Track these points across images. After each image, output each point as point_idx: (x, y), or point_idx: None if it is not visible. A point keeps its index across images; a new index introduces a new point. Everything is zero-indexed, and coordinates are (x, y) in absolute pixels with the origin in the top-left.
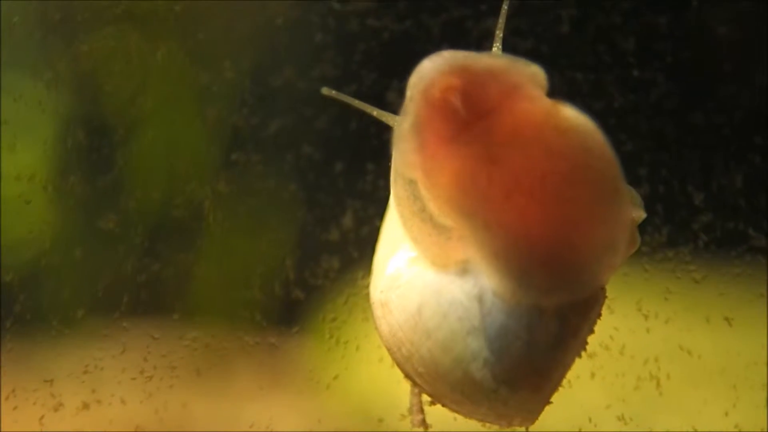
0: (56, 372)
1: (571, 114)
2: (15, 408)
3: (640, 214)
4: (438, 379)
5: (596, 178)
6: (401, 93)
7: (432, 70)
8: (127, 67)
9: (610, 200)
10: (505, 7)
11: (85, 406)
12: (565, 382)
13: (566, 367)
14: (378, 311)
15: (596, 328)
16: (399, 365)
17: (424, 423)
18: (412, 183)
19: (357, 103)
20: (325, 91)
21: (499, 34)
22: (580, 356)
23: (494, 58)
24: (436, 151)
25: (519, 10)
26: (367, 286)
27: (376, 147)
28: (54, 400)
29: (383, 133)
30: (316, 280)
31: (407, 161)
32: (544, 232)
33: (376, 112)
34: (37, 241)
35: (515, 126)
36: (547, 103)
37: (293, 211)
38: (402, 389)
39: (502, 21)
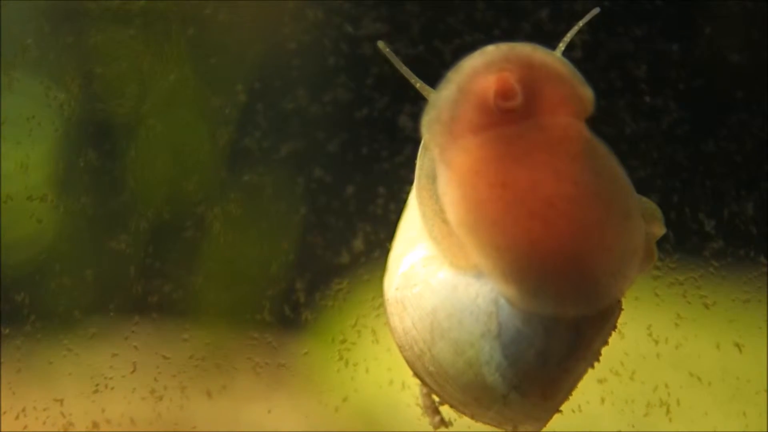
0: (66, 391)
1: (583, 138)
2: (25, 427)
3: (661, 230)
4: (449, 380)
5: (606, 203)
6: (413, 117)
7: (495, 54)
8: (140, 89)
9: (621, 224)
10: (580, 23)
11: (95, 425)
12: (575, 406)
13: (578, 376)
14: (392, 308)
15: (607, 354)
16: (409, 364)
17: (443, 422)
18: (434, 182)
19: (404, 70)
20: (381, 45)
21: (561, 46)
22: (593, 367)
23: (558, 61)
24: (462, 132)
25: (531, 35)
26: (378, 308)
27: (387, 171)
28: (64, 420)
29: (394, 156)
30: (326, 302)
31: (433, 131)
32: (554, 252)
33: (419, 84)
34: (48, 261)
35: (533, 142)
36: (569, 123)
37: (304, 233)
38: (412, 413)
39: (571, 34)
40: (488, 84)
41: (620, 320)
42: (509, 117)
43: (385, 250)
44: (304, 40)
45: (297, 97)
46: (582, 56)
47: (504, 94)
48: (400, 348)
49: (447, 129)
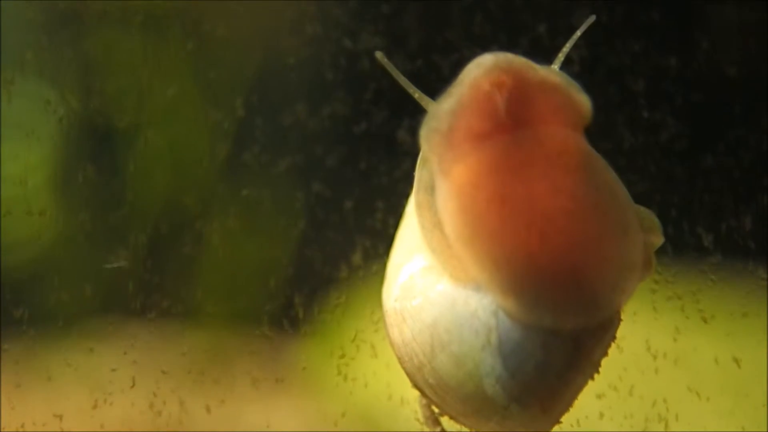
0: (66, 406)
1: (581, 152)
2: None
3: (659, 239)
4: (449, 392)
5: (604, 217)
6: (412, 131)
7: (491, 64)
8: (139, 103)
9: (619, 238)
10: (578, 33)
11: None
12: (573, 422)
13: (578, 388)
14: (391, 320)
15: (605, 369)
16: (409, 375)
17: None
18: (432, 194)
19: (402, 80)
20: (379, 55)
21: (561, 57)
22: (592, 378)
23: (552, 73)
24: (460, 142)
25: (529, 50)
26: (377, 322)
27: (385, 185)
28: None
29: (393, 171)
30: (324, 316)
31: (432, 142)
32: (552, 265)
33: (417, 94)
34: (46, 276)
35: (531, 154)
36: (567, 136)
37: (302, 248)
38: (412, 427)
39: (569, 45)
40: (485, 94)
41: (618, 334)
42: (506, 127)
43: (383, 265)
44: (302, 54)
45: (295, 111)
46: (580, 71)
47: (499, 103)
48: (400, 360)
49: (445, 139)
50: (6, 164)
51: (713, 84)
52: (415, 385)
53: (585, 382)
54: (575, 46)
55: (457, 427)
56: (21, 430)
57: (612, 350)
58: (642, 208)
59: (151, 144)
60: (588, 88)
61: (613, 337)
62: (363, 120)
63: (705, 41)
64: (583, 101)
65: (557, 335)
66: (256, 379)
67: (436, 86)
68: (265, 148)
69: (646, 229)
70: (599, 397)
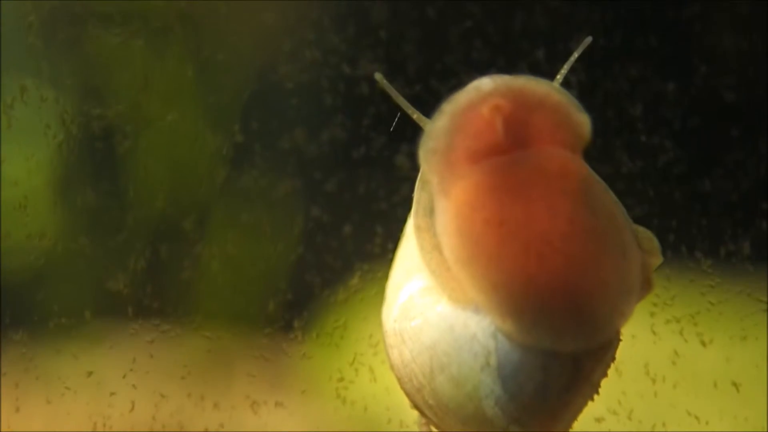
0: (65, 431)
1: (580, 175)
2: None
3: (657, 259)
4: (448, 413)
5: (601, 241)
6: (411, 156)
7: (490, 89)
8: (138, 128)
9: (617, 261)
10: (575, 54)
11: None
12: None
13: (578, 409)
14: (390, 340)
15: (604, 392)
16: (408, 396)
17: None
18: (431, 215)
19: (401, 101)
20: (378, 76)
21: (559, 79)
22: (592, 399)
23: (553, 90)
24: (459, 162)
25: (528, 75)
26: (376, 345)
27: (384, 210)
28: None
29: (392, 196)
30: (323, 340)
31: (431, 161)
32: (550, 287)
33: (416, 115)
34: (46, 300)
35: (529, 175)
36: (566, 158)
37: (301, 272)
38: None
39: (566, 67)
40: (481, 113)
41: (617, 358)
42: (504, 147)
43: (382, 288)
44: (301, 79)
45: (294, 136)
46: (578, 95)
47: (496, 122)
48: (399, 380)
49: (444, 158)
50: (6, 188)
51: (711, 109)
52: (415, 406)
53: (584, 404)
54: (573, 71)
55: None
56: None
57: (611, 374)
58: (641, 229)
59: (150, 169)
60: (586, 112)
61: (613, 358)
62: (362, 145)
63: (703, 66)
64: (583, 120)
65: (556, 357)
66: (256, 402)
67: (434, 112)
68: (263, 172)
69: (645, 250)
70: (598, 420)
